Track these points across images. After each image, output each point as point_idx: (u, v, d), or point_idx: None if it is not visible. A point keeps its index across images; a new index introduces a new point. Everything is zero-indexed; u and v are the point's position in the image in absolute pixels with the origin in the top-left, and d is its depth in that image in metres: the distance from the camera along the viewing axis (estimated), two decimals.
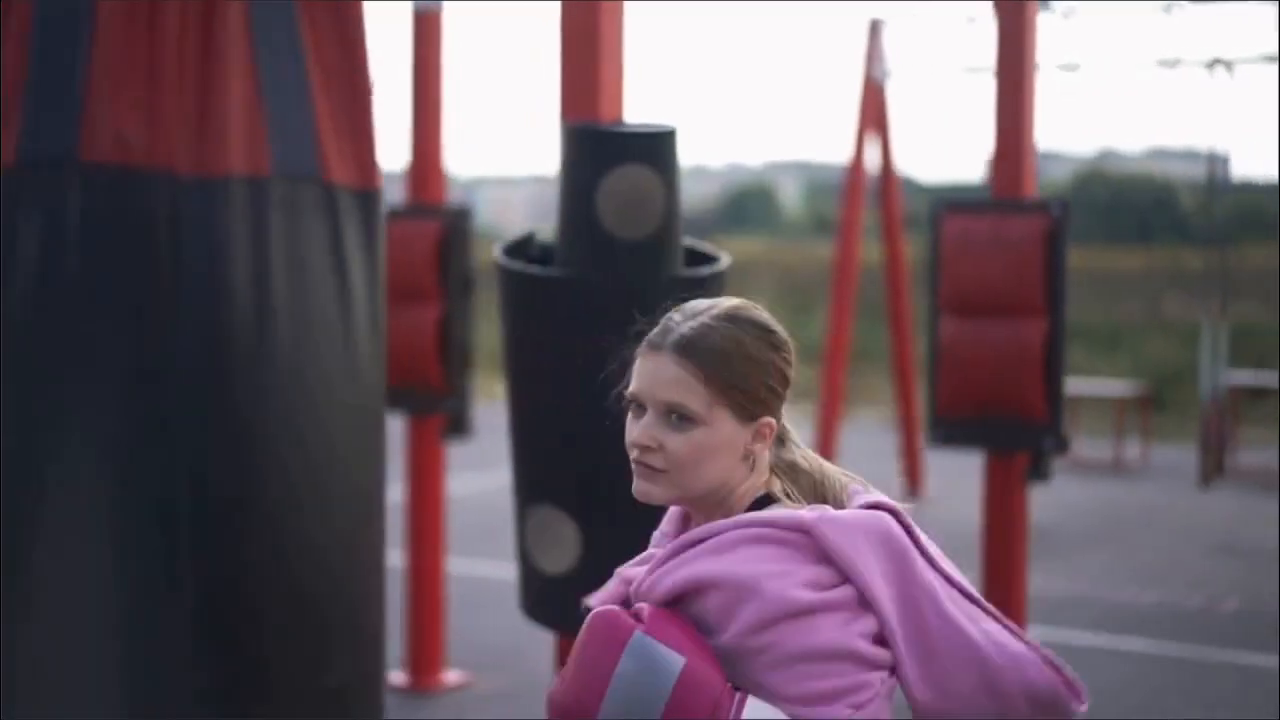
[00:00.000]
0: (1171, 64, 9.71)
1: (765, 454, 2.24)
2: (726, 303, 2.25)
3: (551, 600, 4.03)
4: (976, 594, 2.20)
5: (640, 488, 2.21)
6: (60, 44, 1.61)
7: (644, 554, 2.33)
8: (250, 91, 1.62)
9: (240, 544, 1.66)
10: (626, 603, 2.22)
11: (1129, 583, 9.03)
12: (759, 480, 2.24)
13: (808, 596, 2.09)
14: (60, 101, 1.62)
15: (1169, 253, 31.20)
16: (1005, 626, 2.18)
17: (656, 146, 3.83)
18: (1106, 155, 37.65)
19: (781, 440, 2.29)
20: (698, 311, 2.23)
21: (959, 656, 2.13)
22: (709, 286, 3.98)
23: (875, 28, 11.02)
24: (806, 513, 2.16)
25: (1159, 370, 17.01)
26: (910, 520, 2.21)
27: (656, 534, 2.37)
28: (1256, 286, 18.42)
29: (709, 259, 4.09)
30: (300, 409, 1.70)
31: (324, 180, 1.75)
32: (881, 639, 2.12)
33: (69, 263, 1.61)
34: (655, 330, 2.25)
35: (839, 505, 2.23)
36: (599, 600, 2.26)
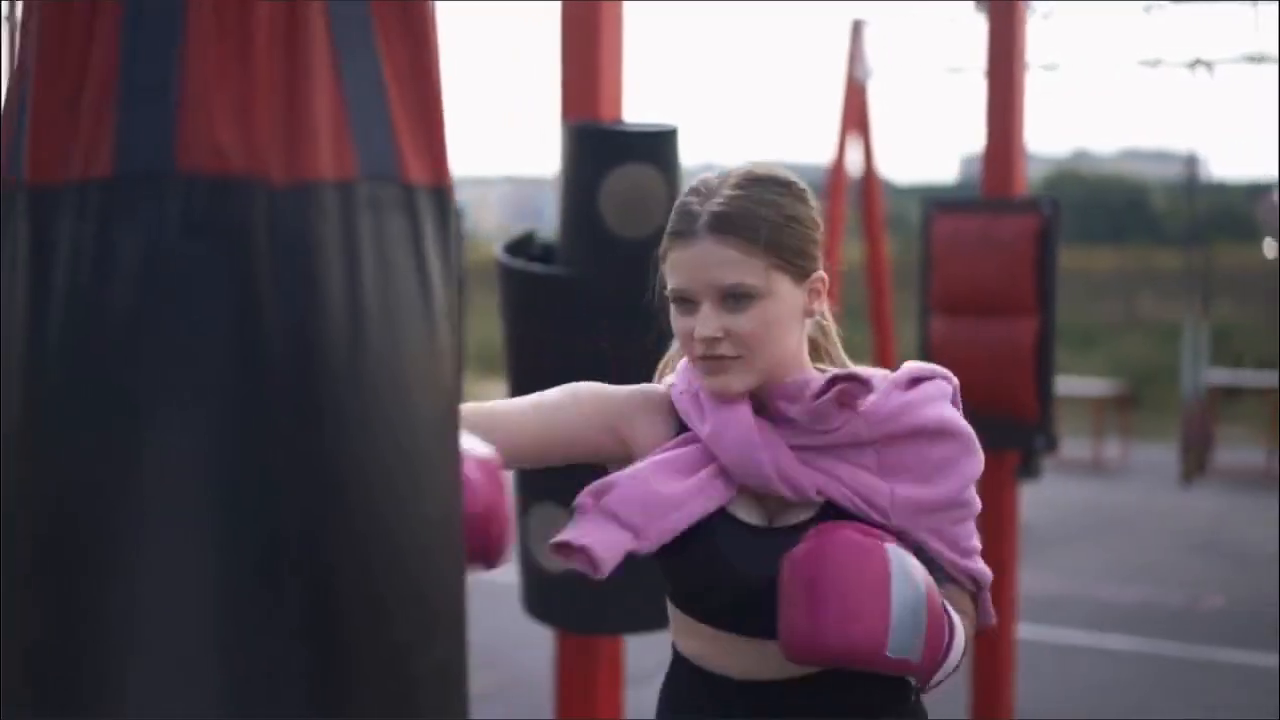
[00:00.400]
0: (1153, 64, 9.76)
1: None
2: (738, 169, 2.15)
3: (553, 598, 4.02)
4: None
5: (715, 383, 2.11)
6: (152, 52, 1.60)
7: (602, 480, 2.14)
8: (334, 94, 1.62)
9: (342, 534, 1.67)
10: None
11: (1113, 580, 9.08)
12: (805, 348, 2.20)
13: None
14: (155, 112, 1.61)
15: (1143, 253, 31.36)
16: None
17: (659, 145, 3.83)
18: (1080, 156, 37.82)
19: (828, 350, 2.28)
20: (713, 187, 2.12)
21: None
22: None
23: (857, 28, 11.06)
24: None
25: (1135, 369, 17.09)
26: None
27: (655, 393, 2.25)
28: (1231, 286, 18.53)
29: None
30: (393, 407, 1.70)
31: (403, 180, 1.75)
32: None
33: (169, 275, 1.61)
34: (676, 220, 2.14)
35: None
36: (598, 547, 2.06)
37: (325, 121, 1.58)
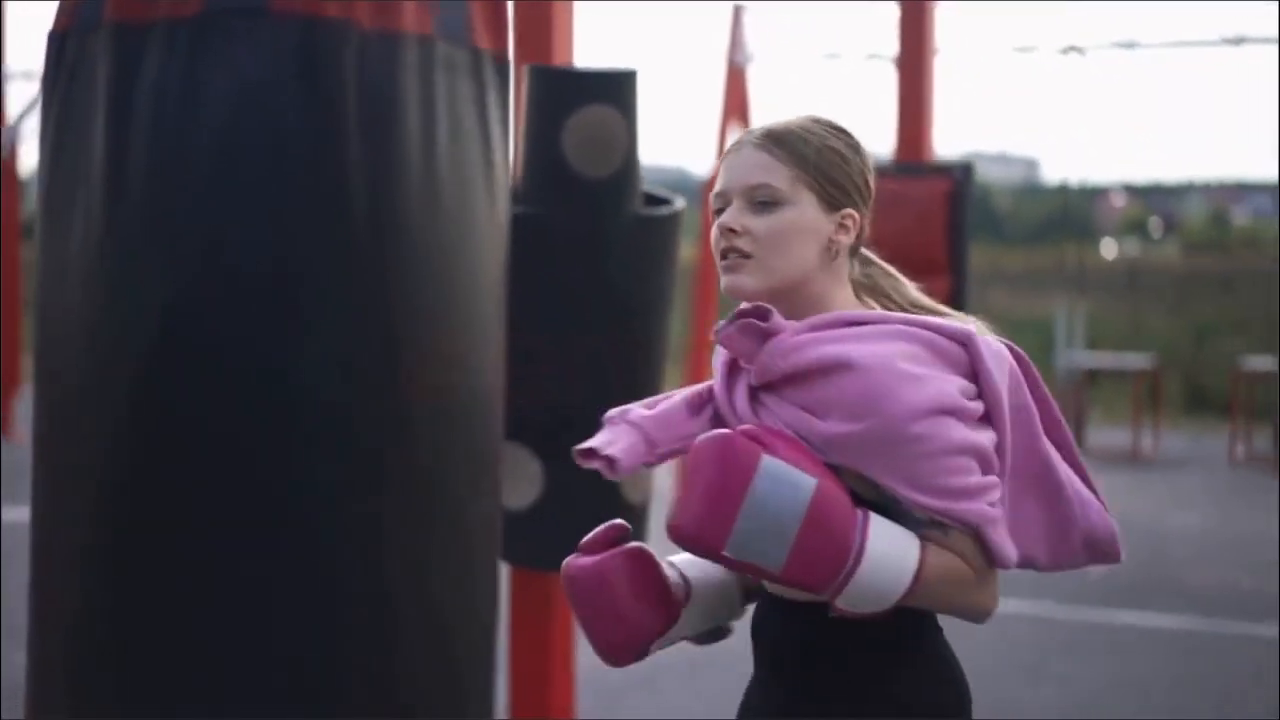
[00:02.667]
0: (1027, 50, 10.02)
1: (846, 263, 2.23)
2: (806, 113, 2.27)
3: (514, 536, 4.06)
4: (1067, 431, 2.27)
5: (729, 280, 2.20)
6: None
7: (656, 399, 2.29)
8: None
9: (404, 381, 1.70)
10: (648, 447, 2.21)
11: None
12: (848, 293, 2.23)
13: (959, 399, 2.09)
14: None
15: (989, 252, 31.99)
16: (1079, 471, 2.25)
17: (619, 87, 3.90)
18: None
19: (885, 290, 2.29)
20: (778, 119, 2.25)
21: (1039, 485, 2.19)
22: (669, 224, 4.06)
23: (737, 13, 11.20)
24: (964, 324, 2.18)
25: None
26: (1027, 359, 2.25)
27: (708, 386, 2.31)
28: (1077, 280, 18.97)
29: (664, 200, 4.16)
30: (461, 266, 1.75)
31: (473, 45, 1.80)
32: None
33: (256, 112, 1.62)
34: (733, 139, 2.30)
35: None
36: (620, 452, 2.19)
37: None
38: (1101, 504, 2.25)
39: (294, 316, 1.62)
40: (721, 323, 2.20)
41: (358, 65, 1.64)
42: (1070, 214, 21.49)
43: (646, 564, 2.28)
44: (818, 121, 2.25)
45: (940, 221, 5.86)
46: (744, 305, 2.20)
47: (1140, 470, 12.73)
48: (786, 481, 2.04)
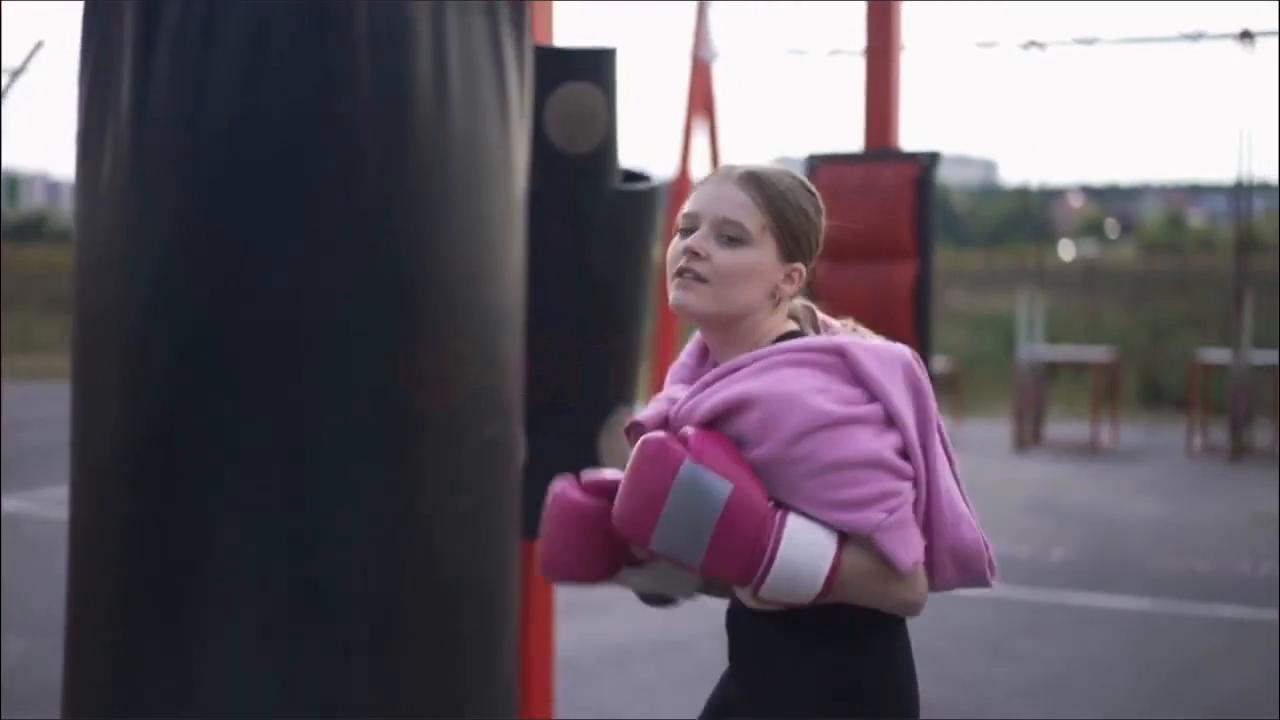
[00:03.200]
0: (989, 46, 10.16)
1: (787, 301, 2.41)
2: (785, 167, 2.46)
3: None
4: (948, 442, 2.39)
5: (679, 298, 2.36)
6: None
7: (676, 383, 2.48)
8: None
9: (423, 289, 1.79)
10: (667, 423, 2.36)
11: None
12: (780, 320, 2.40)
13: (842, 410, 2.23)
14: None
15: (946, 254, 32.08)
16: (958, 483, 2.38)
17: (600, 64, 4.00)
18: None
19: (801, 319, 2.46)
20: (758, 165, 2.42)
21: (930, 491, 2.31)
22: (647, 200, 4.17)
23: (702, 9, 11.21)
24: (840, 337, 2.33)
25: (958, 356, 17.64)
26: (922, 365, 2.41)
27: (675, 366, 2.51)
28: (1037, 279, 19.17)
29: (643, 177, 4.26)
30: (470, 190, 1.83)
31: None
32: (904, 454, 2.27)
33: (272, 50, 1.71)
34: (719, 169, 2.44)
35: None
36: (647, 422, 2.38)
37: None
38: (976, 519, 2.37)
39: (310, 239, 1.71)
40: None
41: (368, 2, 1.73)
42: (1028, 215, 21.69)
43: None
44: (795, 178, 2.43)
45: (907, 207, 5.99)
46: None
47: (1099, 461, 12.91)
48: (704, 486, 2.23)
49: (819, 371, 2.28)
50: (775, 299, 2.39)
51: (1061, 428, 14.37)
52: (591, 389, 4.10)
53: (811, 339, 2.34)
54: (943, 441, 2.37)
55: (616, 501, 2.31)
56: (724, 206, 2.36)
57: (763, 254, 2.36)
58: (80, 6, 1.84)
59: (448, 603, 2.08)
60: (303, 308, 1.71)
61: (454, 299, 1.85)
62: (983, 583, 2.38)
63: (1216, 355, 14.01)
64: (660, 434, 2.29)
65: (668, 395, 2.44)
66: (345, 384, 1.79)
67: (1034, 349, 13.85)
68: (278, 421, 1.76)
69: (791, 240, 2.38)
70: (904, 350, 2.36)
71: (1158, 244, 41.72)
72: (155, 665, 1.83)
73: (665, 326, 11.97)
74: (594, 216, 4.00)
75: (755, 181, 2.37)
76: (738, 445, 2.28)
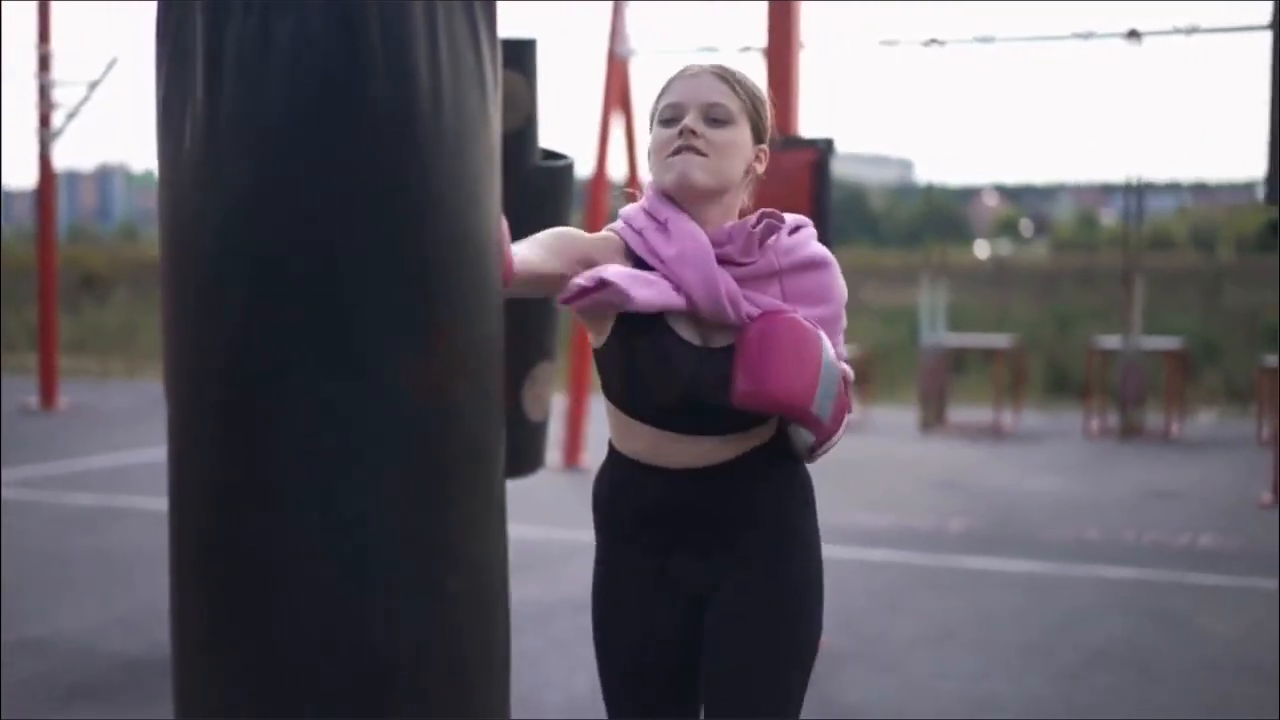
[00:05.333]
0: (891, 44, 10.63)
1: (754, 180, 2.78)
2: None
3: None
4: None
5: (683, 170, 2.67)
6: None
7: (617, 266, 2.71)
8: None
9: (419, 240, 2.17)
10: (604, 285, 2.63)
11: (870, 510, 9.91)
12: (747, 199, 2.78)
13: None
14: None
15: (863, 252, 32.75)
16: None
17: (522, 52, 4.44)
18: None
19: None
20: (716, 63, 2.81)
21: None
22: (562, 175, 4.60)
23: (618, 6, 11.44)
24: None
25: (867, 346, 18.17)
26: None
27: (607, 234, 2.78)
28: (950, 276, 19.67)
29: (560, 156, 4.70)
30: (463, 186, 2.21)
31: None
32: None
33: (313, 53, 2.12)
34: (681, 70, 2.78)
35: None
36: (618, 278, 2.62)
37: None
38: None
39: (340, 218, 2.12)
40: (729, 224, 2.69)
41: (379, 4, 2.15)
42: (941, 214, 22.19)
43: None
44: (747, 74, 2.80)
45: (806, 188, 6.44)
46: (762, 211, 2.71)
47: (1001, 443, 13.42)
48: (831, 359, 2.67)
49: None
50: (750, 176, 2.75)
51: (966, 412, 14.90)
52: (513, 346, 4.52)
53: (809, 224, 2.82)
54: None
55: (762, 380, 2.63)
56: (708, 93, 2.70)
57: (743, 133, 2.71)
58: (148, 18, 2.24)
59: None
60: (338, 261, 2.12)
61: (454, 235, 2.22)
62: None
63: (1112, 341, 14.57)
64: (783, 313, 2.66)
65: (629, 271, 2.67)
66: (384, 327, 2.16)
67: (937, 337, 14.37)
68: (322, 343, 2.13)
69: (761, 123, 2.76)
70: None
71: (1070, 242, 42.46)
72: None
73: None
74: (517, 188, 4.43)
75: (728, 74, 2.75)
76: (801, 299, 2.71)
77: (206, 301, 2.13)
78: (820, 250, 2.74)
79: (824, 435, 2.72)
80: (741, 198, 2.77)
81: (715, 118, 2.71)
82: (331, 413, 2.07)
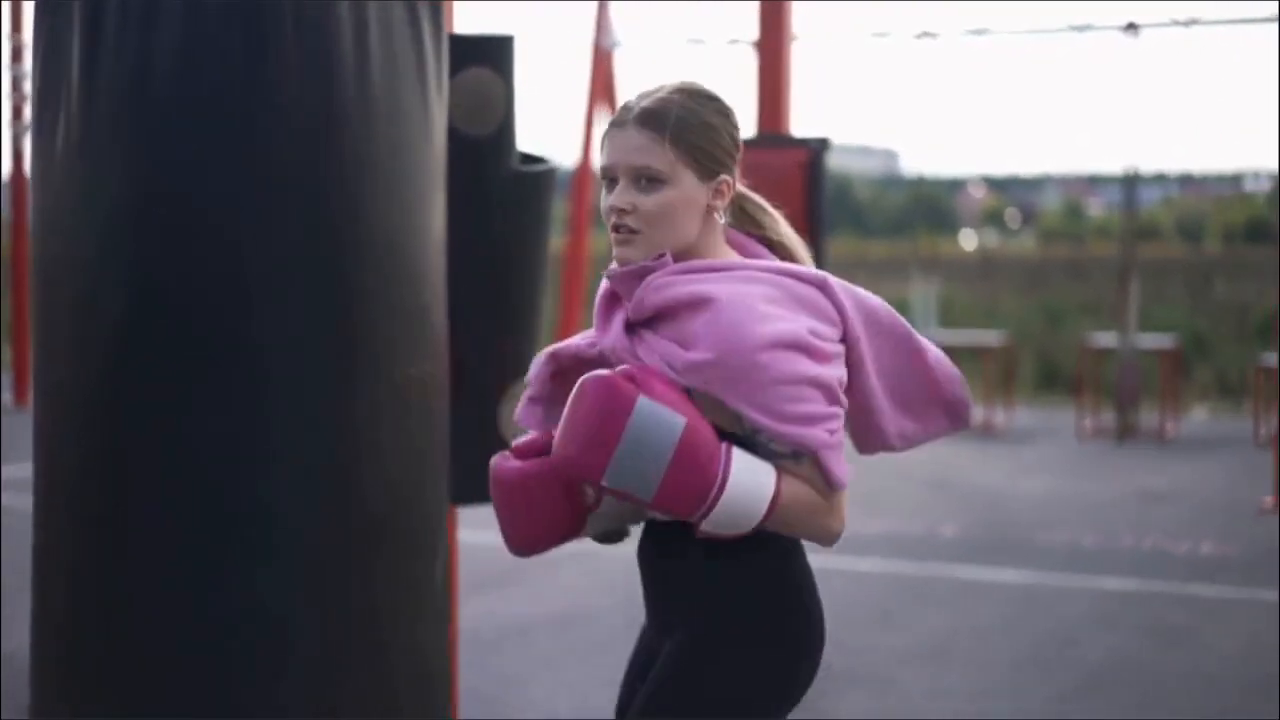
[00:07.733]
0: (884, 36, 10.42)
1: (722, 217, 2.49)
2: (676, 81, 2.51)
3: None
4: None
5: (620, 253, 2.44)
6: None
7: (576, 337, 2.60)
8: None
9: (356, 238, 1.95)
10: (598, 357, 2.48)
11: (857, 512, 9.69)
12: (721, 246, 2.50)
13: (809, 338, 2.35)
14: None
15: (849, 243, 32.63)
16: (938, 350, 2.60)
17: (499, 51, 4.18)
18: None
19: (758, 219, 2.59)
20: (651, 92, 2.48)
21: (929, 391, 2.55)
22: (542, 181, 4.36)
23: None
24: (826, 276, 2.45)
25: None
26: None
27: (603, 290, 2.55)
28: (937, 268, 19.53)
29: (540, 159, 4.45)
30: (396, 196, 2.00)
31: None
32: (845, 388, 2.42)
33: (210, 54, 1.88)
34: (616, 113, 2.49)
35: None
36: (562, 353, 2.50)
37: None
38: (959, 374, 2.61)
39: (244, 232, 1.89)
40: (613, 266, 2.47)
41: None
42: (928, 205, 22.02)
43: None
44: (689, 94, 2.47)
45: (798, 189, 6.21)
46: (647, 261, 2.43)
47: (992, 443, 13.23)
48: (659, 420, 2.31)
49: (791, 297, 2.39)
50: (712, 217, 2.46)
51: None
52: (491, 362, 4.28)
53: (798, 267, 2.46)
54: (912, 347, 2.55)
55: (558, 443, 2.35)
56: (632, 155, 2.42)
57: (683, 187, 2.42)
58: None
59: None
60: (244, 258, 1.88)
61: (377, 249, 2.02)
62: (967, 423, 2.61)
63: (1106, 339, 14.38)
64: (604, 372, 2.35)
65: (553, 352, 2.57)
66: (291, 329, 1.95)
67: (929, 334, 14.18)
68: (227, 362, 1.92)
69: (706, 158, 2.44)
70: (868, 296, 2.50)
71: (1057, 233, 42.37)
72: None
73: (571, 283, 12.15)
74: (493, 195, 4.19)
75: (652, 119, 2.43)
76: (684, 343, 2.36)
77: (80, 317, 1.89)
78: (701, 290, 2.39)
79: (664, 510, 2.39)
80: (717, 232, 2.51)
81: (648, 178, 2.44)
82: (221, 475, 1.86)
